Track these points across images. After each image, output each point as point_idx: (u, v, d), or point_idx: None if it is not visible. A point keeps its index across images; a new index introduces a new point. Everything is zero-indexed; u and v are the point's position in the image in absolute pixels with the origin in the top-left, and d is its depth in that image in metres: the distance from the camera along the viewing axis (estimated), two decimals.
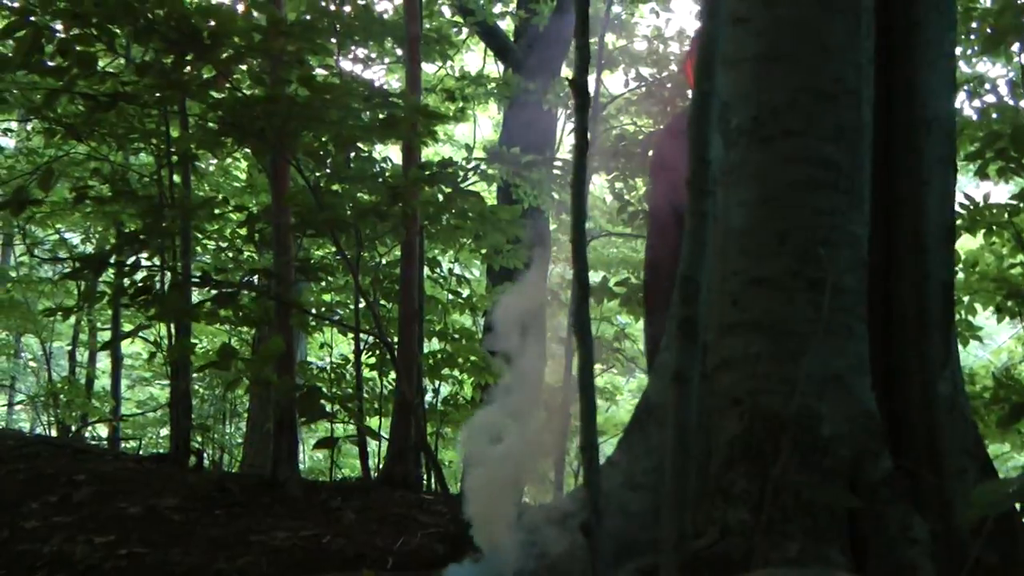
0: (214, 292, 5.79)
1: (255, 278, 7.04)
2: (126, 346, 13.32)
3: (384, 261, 8.86)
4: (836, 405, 3.58)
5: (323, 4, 9.72)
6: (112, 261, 6.16)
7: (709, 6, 2.93)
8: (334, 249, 9.09)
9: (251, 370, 5.50)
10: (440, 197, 6.08)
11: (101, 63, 6.29)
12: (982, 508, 1.98)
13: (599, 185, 11.97)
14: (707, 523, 3.65)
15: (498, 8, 12.59)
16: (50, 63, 4.89)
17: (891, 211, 3.97)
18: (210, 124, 6.08)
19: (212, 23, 4.77)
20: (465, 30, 12.94)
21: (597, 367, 11.80)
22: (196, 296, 7.60)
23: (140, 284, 6.12)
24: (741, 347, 3.77)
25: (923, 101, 3.98)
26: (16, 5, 5.57)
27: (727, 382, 3.77)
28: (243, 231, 7.94)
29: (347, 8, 9.65)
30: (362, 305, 7.33)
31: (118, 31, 5.06)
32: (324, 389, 10.45)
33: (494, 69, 14.55)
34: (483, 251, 8.84)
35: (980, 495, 1.98)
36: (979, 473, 3.87)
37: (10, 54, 5.07)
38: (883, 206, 3.93)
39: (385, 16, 10.29)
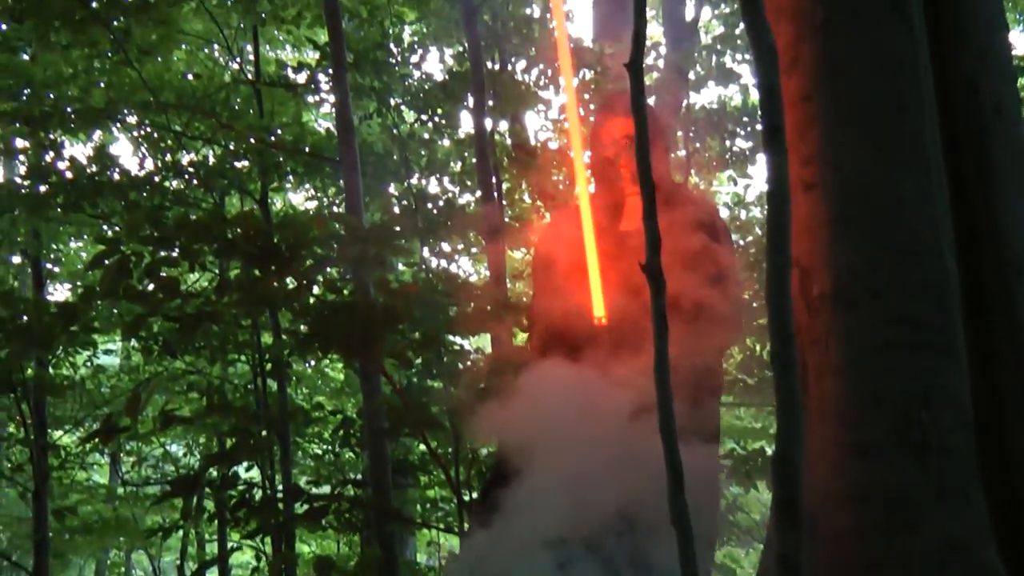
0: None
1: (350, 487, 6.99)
2: (237, 557, 13.27)
3: (486, 451, 8.80)
4: None
5: (404, 203, 9.99)
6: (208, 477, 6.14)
7: (776, 178, 2.88)
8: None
9: None
10: None
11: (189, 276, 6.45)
12: None
13: None
14: None
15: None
16: (138, 287, 5.00)
17: (991, 365, 3.80)
18: (301, 329, 6.15)
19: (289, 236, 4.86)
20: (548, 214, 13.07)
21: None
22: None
23: (238, 498, 6.09)
24: (851, 520, 3.59)
25: (1010, 245, 3.85)
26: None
27: (841, 558, 3.59)
28: (340, 434, 7.98)
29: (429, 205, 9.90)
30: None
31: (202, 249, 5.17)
32: None
33: None
34: None
35: None
36: None
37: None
38: (981, 360, 3.77)
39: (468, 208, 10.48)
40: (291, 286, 5.19)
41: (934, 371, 3.59)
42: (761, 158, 10.17)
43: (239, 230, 4.95)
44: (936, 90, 3.91)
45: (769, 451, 9.23)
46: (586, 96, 9.63)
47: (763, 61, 2.84)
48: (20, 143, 9.59)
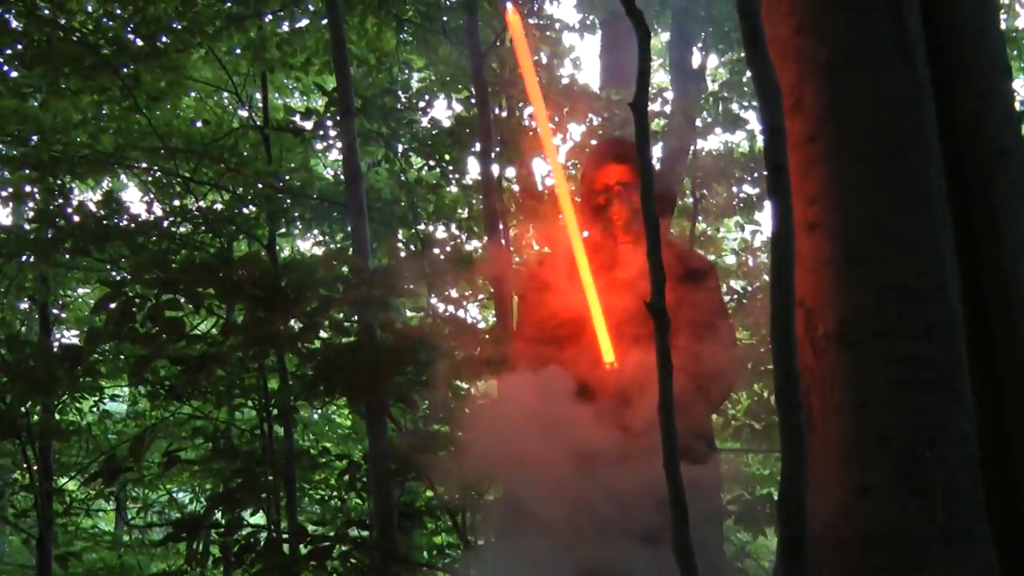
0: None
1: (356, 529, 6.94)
2: None
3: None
4: None
5: (412, 249, 10.00)
6: (212, 520, 6.10)
7: (780, 217, 2.88)
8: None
9: None
10: None
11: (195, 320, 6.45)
12: None
13: None
14: None
15: None
16: (141, 329, 4.99)
17: (997, 404, 3.77)
18: (308, 373, 6.13)
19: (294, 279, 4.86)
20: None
21: None
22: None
23: (243, 542, 6.06)
24: (856, 561, 3.55)
25: (1016, 285, 3.82)
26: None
27: None
28: (346, 479, 7.93)
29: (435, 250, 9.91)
30: None
31: (206, 292, 5.17)
32: None
33: None
34: None
35: None
36: None
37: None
38: (987, 399, 3.74)
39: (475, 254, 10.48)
40: (297, 329, 5.18)
41: (940, 411, 3.55)
42: (768, 203, 10.16)
43: (244, 272, 4.95)
44: (940, 132, 3.91)
45: (776, 495, 9.16)
46: (593, 142, 9.66)
47: (767, 99, 2.84)
48: (29, 188, 9.63)
